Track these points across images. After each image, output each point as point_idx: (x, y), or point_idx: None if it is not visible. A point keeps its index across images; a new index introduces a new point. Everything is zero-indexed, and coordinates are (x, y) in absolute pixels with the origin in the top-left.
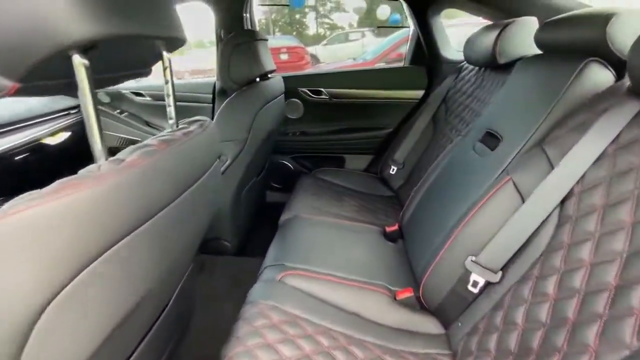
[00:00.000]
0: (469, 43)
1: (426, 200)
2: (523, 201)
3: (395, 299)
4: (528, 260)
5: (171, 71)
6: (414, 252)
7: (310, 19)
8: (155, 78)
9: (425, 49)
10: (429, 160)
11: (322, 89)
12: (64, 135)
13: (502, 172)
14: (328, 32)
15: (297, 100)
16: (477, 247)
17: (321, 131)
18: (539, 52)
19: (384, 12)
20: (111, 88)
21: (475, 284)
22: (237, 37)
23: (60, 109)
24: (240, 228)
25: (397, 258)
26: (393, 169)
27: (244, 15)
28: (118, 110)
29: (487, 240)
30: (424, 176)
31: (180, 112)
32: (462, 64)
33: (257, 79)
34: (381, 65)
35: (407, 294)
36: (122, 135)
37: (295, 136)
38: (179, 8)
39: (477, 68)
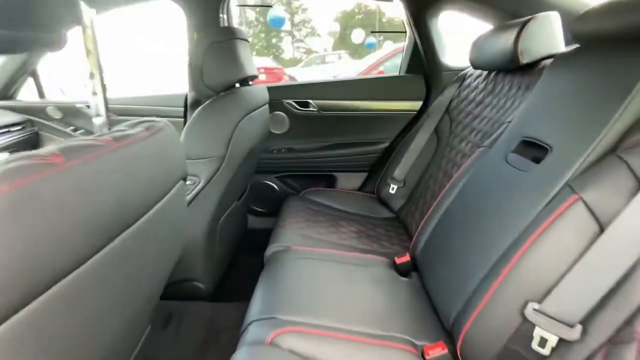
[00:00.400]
0: (477, 46)
1: (447, 224)
2: (601, 228)
3: (423, 358)
4: (622, 312)
5: (94, 37)
6: (439, 292)
7: (286, 43)
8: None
9: (423, 56)
10: (434, 176)
11: (309, 101)
12: None
13: (560, 189)
14: (304, 56)
15: (281, 113)
16: (538, 290)
17: (309, 147)
18: (564, 48)
19: (358, 36)
20: (64, 102)
21: (543, 342)
22: (211, 34)
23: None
24: (217, 265)
25: (416, 298)
26: (392, 188)
27: (221, 16)
28: (72, 127)
29: (554, 282)
30: (440, 195)
31: None
32: (466, 70)
33: (237, 85)
34: (375, 74)
35: (439, 351)
36: None
37: (280, 153)
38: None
39: (485, 73)
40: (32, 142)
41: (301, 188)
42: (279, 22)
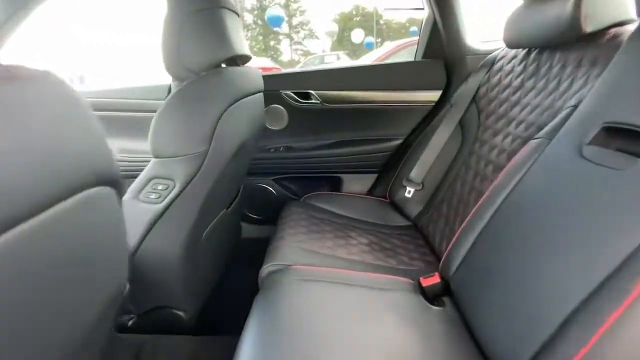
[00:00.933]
0: (515, 21)
1: (496, 238)
2: None
3: None
4: None
5: None
6: (491, 330)
7: (284, 46)
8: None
9: (444, 38)
10: (461, 176)
11: (311, 92)
12: None
13: None
14: (302, 58)
15: (278, 106)
16: None
17: (310, 145)
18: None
19: (358, 36)
20: None
21: None
22: (191, 1)
23: None
24: (201, 287)
25: (455, 336)
26: (408, 191)
27: None
28: None
29: None
30: (481, 200)
31: (129, 126)
32: (496, 52)
33: (223, 65)
34: (387, 61)
35: None
36: None
37: (278, 152)
38: None
39: (522, 53)
40: None
41: (302, 192)
42: (278, 21)
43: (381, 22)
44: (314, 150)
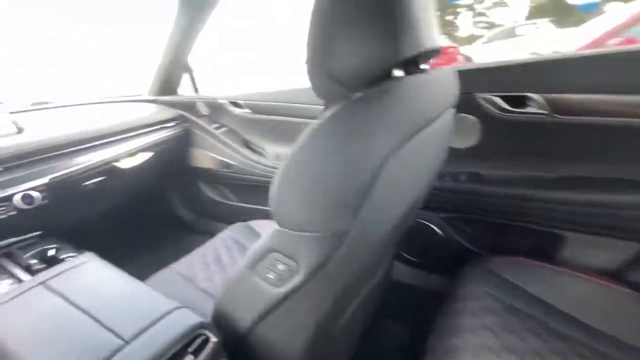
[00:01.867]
0: None
1: None
2: None
3: None
4: None
5: None
6: None
7: (463, 20)
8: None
9: None
10: None
11: (531, 95)
12: (142, 157)
13: None
14: (485, 32)
15: (469, 116)
16: None
17: (515, 177)
18: None
19: None
20: (208, 97)
21: None
22: None
23: (156, 122)
24: None
25: None
26: None
27: None
28: (216, 125)
29: None
30: None
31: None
32: None
33: (395, 73)
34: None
35: None
36: (218, 157)
37: (458, 182)
38: None
39: None
40: (184, 139)
41: (485, 243)
42: None
43: None
44: (518, 186)
